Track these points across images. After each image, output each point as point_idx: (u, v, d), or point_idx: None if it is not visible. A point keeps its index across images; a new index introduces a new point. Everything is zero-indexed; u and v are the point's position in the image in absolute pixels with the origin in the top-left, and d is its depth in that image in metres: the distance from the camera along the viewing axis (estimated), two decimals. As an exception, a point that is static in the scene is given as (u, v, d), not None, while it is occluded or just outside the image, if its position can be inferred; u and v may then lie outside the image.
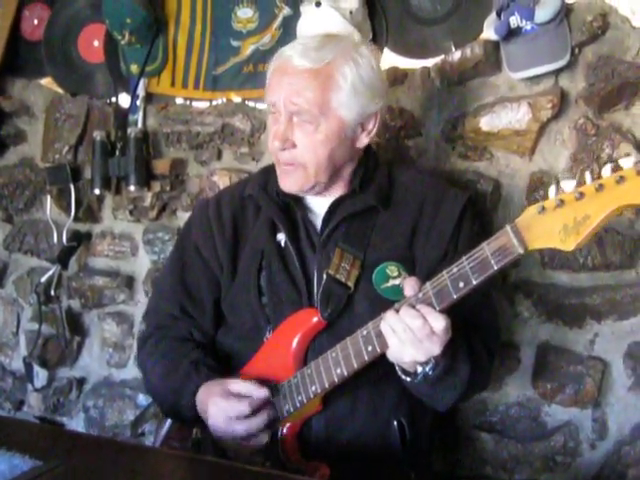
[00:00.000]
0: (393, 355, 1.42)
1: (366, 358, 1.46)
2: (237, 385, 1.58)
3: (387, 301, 1.55)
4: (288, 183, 1.67)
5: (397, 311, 1.39)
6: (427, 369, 1.42)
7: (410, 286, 1.41)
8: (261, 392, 1.55)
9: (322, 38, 1.66)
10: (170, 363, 1.72)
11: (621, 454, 1.94)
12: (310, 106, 1.57)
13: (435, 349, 1.37)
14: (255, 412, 1.54)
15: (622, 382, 1.95)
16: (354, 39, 1.78)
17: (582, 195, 1.22)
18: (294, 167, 1.64)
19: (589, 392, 1.94)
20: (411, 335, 1.36)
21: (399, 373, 1.48)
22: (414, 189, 1.72)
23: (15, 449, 1.22)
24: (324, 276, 1.61)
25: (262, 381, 1.59)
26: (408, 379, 1.47)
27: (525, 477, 2.03)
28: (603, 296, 1.92)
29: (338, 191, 1.71)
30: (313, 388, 1.53)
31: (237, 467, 1.26)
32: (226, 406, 1.54)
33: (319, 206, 1.72)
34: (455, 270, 1.35)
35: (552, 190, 1.27)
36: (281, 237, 1.70)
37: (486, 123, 1.97)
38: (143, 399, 2.51)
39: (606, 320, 1.94)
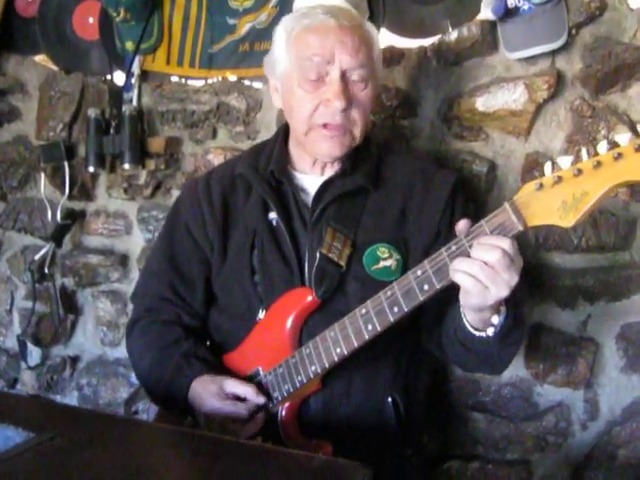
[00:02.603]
0: (476, 304, 1.35)
1: (366, 337, 1.46)
2: (234, 387, 1.59)
3: (377, 282, 1.57)
4: (334, 148, 1.64)
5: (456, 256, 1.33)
6: (501, 318, 1.38)
7: (460, 226, 1.36)
8: (259, 399, 1.57)
9: (333, 5, 1.67)
10: (160, 353, 1.73)
11: (612, 435, 1.96)
12: (367, 61, 1.61)
13: (515, 277, 1.29)
14: (251, 415, 1.56)
15: (614, 363, 1.96)
16: None
17: (580, 172, 1.22)
18: (343, 131, 1.63)
19: (581, 373, 1.95)
20: (490, 271, 1.29)
21: (470, 330, 1.43)
22: (403, 171, 1.73)
23: (8, 421, 1.22)
24: (317, 255, 1.61)
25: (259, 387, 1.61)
26: (483, 335, 1.42)
27: (517, 457, 2.05)
28: (596, 277, 1.93)
29: (331, 170, 1.71)
30: (313, 368, 1.53)
31: (233, 441, 1.27)
32: (223, 408, 1.56)
33: (310, 185, 1.72)
34: (454, 248, 1.35)
35: (548, 167, 1.27)
36: (273, 216, 1.70)
37: (482, 103, 1.97)
38: (137, 378, 2.51)
39: (599, 301, 1.95)
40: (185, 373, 1.64)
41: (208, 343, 1.84)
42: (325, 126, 1.62)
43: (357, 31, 1.61)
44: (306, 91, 1.62)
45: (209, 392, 1.58)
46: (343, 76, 1.59)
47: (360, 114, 1.63)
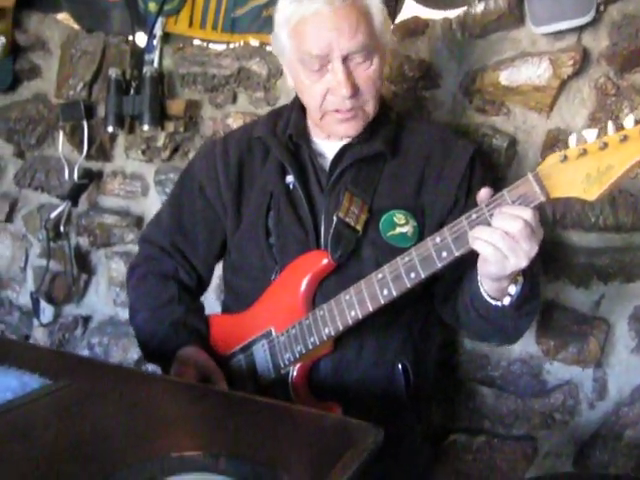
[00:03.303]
0: (494, 273, 1.34)
1: (382, 301, 1.46)
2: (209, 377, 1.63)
3: (393, 248, 1.58)
4: (350, 129, 1.64)
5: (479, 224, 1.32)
6: (518, 288, 1.39)
7: (482, 195, 1.36)
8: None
9: None
10: (152, 314, 1.78)
11: (619, 415, 1.96)
12: (368, 40, 1.55)
13: (534, 248, 1.29)
14: None
15: (625, 344, 1.96)
16: None
17: (606, 145, 1.21)
18: (355, 113, 1.61)
19: (592, 352, 1.95)
20: (511, 241, 1.28)
21: (486, 299, 1.43)
22: (422, 138, 1.72)
23: (25, 368, 1.24)
24: (334, 218, 1.61)
25: None
26: (499, 304, 1.42)
27: (523, 433, 2.06)
28: (612, 257, 1.92)
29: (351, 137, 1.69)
30: (326, 330, 1.54)
31: (245, 397, 1.28)
32: None
33: (328, 150, 1.71)
34: (474, 216, 1.34)
35: (573, 139, 1.26)
36: (290, 179, 1.70)
37: (505, 77, 1.95)
38: (148, 339, 2.53)
39: (613, 282, 1.94)
40: (172, 342, 1.69)
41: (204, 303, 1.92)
42: (337, 111, 1.61)
43: (353, 10, 1.53)
44: (312, 81, 1.60)
45: (185, 373, 1.61)
46: (345, 60, 1.55)
47: (370, 92, 1.60)
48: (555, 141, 1.93)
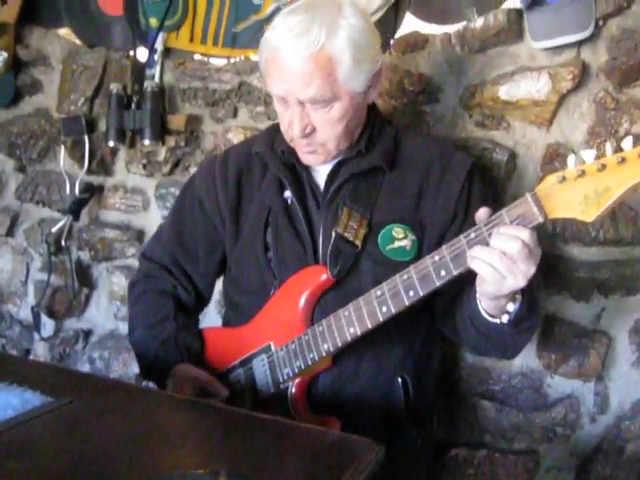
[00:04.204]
0: (491, 292, 1.36)
1: (380, 319, 1.47)
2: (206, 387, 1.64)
3: (391, 262, 1.59)
4: (312, 161, 1.67)
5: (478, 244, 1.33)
6: (516, 306, 1.40)
7: (480, 214, 1.36)
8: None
9: (305, 16, 1.51)
10: (145, 332, 1.79)
11: (621, 429, 1.96)
12: (322, 92, 1.51)
13: (532, 268, 1.30)
14: None
15: (626, 357, 1.96)
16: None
17: (604, 167, 1.22)
18: (313, 147, 1.62)
19: (593, 365, 1.95)
20: (508, 262, 1.29)
21: (485, 317, 1.45)
22: (420, 152, 1.71)
23: (27, 385, 1.24)
24: (333, 234, 1.61)
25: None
26: (497, 321, 1.44)
27: (524, 447, 2.05)
28: (612, 271, 1.92)
29: (345, 152, 1.68)
30: (325, 346, 1.55)
31: (247, 414, 1.28)
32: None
33: (324, 166, 1.71)
34: (473, 235, 1.35)
35: (571, 160, 1.27)
36: (288, 194, 1.71)
37: (505, 92, 1.95)
38: (148, 353, 2.53)
39: (613, 295, 1.94)
40: (162, 360, 1.70)
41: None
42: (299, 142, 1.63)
43: (311, 61, 1.49)
44: (281, 110, 1.61)
45: (182, 390, 1.61)
46: (302, 104, 1.55)
47: (329, 133, 1.59)
48: (555, 155, 1.93)
